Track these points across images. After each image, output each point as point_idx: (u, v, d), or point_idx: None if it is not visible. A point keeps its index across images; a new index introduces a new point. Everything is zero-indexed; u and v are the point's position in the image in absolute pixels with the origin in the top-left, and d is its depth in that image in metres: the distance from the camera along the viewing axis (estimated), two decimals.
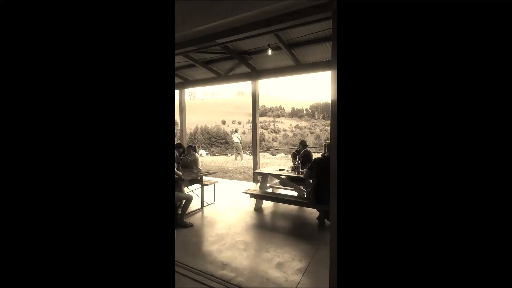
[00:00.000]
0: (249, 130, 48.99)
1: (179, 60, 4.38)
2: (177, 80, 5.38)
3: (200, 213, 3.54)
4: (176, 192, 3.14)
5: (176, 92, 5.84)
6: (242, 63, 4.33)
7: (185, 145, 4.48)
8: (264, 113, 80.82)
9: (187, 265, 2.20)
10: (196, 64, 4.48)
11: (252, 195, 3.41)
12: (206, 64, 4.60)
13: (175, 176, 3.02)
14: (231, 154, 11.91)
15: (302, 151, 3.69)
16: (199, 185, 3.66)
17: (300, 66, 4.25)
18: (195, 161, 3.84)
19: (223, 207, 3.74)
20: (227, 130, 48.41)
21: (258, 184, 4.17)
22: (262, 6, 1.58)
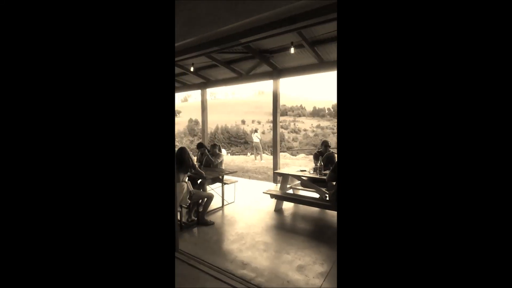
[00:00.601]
0: (268, 129, 48.91)
1: (201, 61, 4.47)
2: (199, 80, 5.50)
3: (221, 211, 3.58)
4: (198, 190, 3.20)
5: (198, 92, 5.98)
6: (264, 62, 4.31)
7: (206, 144, 4.56)
8: (284, 113, 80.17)
9: (208, 262, 2.24)
10: (218, 64, 4.55)
11: (272, 196, 3.38)
12: (228, 64, 4.65)
13: (198, 174, 3.09)
14: (251, 154, 11.95)
15: (325, 153, 3.60)
16: (220, 184, 3.70)
17: (323, 64, 4.14)
18: (219, 160, 3.90)
19: (243, 207, 3.76)
20: (246, 130, 48.73)
21: (278, 184, 4.13)
22: (286, 4, 1.55)
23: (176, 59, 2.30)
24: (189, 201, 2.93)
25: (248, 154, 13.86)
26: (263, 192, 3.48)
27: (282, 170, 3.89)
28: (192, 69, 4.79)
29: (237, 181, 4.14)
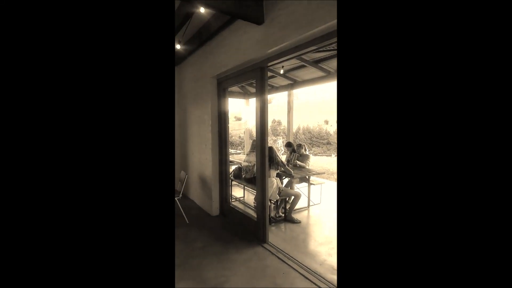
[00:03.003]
0: None
1: (290, 63, 4.57)
2: (286, 82, 5.64)
3: (306, 211, 3.56)
4: (286, 188, 3.30)
5: (285, 93, 6.14)
6: None
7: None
8: None
9: (297, 260, 2.27)
10: (306, 64, 4.53)
11: None
12: (316, 63, 4.56)
13: (287, 172, 3.18)
14: (335, 155, 11.27)
15: None
16: (306, 184, 3.69)
17: None
18: (306, 160, 3.90)
19: (330, 209, 3.61)
20: (329, 131, 46.34)
21: None
22: None
23: (271, 63, 2.45)
24: (278, 197, 3.06)
25: (333, 155, 13.12)
26: None
27: None
28: (281, 71, 4.97)
29: (323, 183, 4.02)
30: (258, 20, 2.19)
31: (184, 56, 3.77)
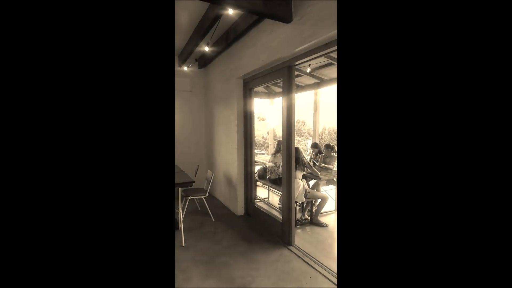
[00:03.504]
0: None
1: (317, 61, 4.45)
2: (312, 80, 5.51)
3: (334, 215, 3.44)
4: (313, 190, 3.22)
5: (312, 92, 6.00)
6: None
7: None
8: None
9: (324, 265, 2.20)
10: (334, 62, 4.38)
11: None
12: None
13: (313, 174, 3.10)
14: None
15: None
16: (334, 187, 3.56)
17: None
18: (333, 161, 3.77)
19: None
20: None
21: None
22: None
23: (298, 62, 2.40)
24: (304, 199, 2.99)
25: None
26: None
27: None
28: (308, 70, 4.86)
29: None
30: (286, 18, 2.16)
31: (211, 58, 3.86)
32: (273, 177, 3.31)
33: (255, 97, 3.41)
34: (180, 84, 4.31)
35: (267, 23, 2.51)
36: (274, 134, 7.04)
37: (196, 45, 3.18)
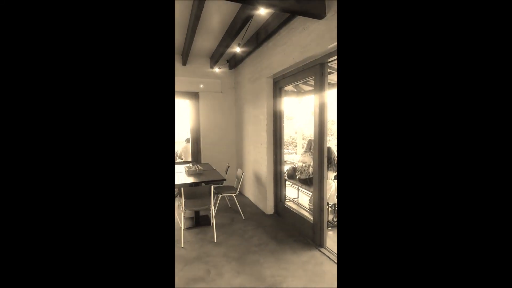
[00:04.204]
0: None
1: None
2: None
3: None
4: None
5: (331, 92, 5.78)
6: None
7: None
8: None
9: None
10: None
11: None
12: None
13: None
14: None
15: None
16: None
17: None
18: None
19: None
20: None
21: None
22: None
23: (331, 59, 2.33)
24: (336, 201, 2.90)
25: None
26: None
27: None
28: None
29: None
30: (319, 15, 2.11)
31: (241, 58, 3.92)
32: (303, 177, 3.26)
33: (284, 96, 3.38)
34: (211, 86, 4.45)
35: (299, 20, 2.47)
36: (302, 133, 6.92)
37: (227, 46, 3.26)
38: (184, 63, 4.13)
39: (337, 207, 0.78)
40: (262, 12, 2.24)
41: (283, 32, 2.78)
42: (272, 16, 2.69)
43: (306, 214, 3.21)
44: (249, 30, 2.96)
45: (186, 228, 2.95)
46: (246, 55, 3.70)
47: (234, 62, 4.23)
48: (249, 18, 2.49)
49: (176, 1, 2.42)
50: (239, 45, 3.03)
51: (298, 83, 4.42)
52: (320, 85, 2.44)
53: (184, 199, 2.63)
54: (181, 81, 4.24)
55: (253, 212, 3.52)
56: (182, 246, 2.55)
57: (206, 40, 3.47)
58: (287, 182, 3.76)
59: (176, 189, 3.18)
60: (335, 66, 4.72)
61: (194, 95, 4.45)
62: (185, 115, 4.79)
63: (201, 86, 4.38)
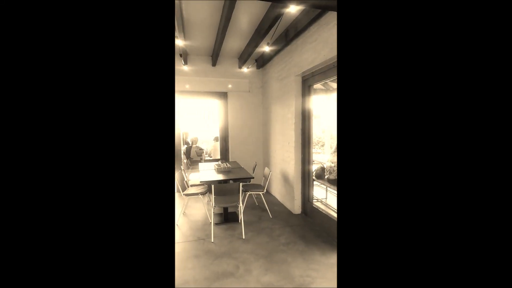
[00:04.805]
0: None
1: None
2: None
3: None
4: None
5: None
6: None
7: None
8: None
9: None
10: None
11: None
12: None
13: None
14: None
15: None
16: None
17: None
18: None
19: None
20: None
21: None
22: None
23: None
24: None
25: None
26: None
27: None
28: None
29: None
30: None
31: (269, 57, 3.92)
32: (332, 177, 3.17)
33: (313, 95, 3.32)
34: (239, 85, 4.53)
35: (329, 16, 2.40)
36: (330, 133, 6.71)
37: (256, 46, 3.28)
38: (214, 64, 4.25)
39: (337, 207, 0.84)
40: (293, 9, 2.22)
41: (313, 28, 2.73)
42: (302, 13, 2.65)
43: (335, 215, 3.12)
44: (278, 28, 2.95)
45: (215, 224, 3.05)
46: (275, 53, 3.69)
47: (262, 61, 4.25)
48: (279, 16, 2.48)
49: (206, 3, 2.50)
50: (268, 44, 3.04)
51: (327, 81, 4.30)
52: None
53: (214, 195, 2.72)
54: (211, 81, 4.38)
55: (280, 211, 3.51)
56: (212, 240, 2.64)
57: (235, 41, 3.54)
58: (315, 182, 3.69)
59: (206, 186, 3.30)
60: None
61: (222, 95, 4.57)
62: (214, 115, 4.93)
63: (230, 86, 4.47)
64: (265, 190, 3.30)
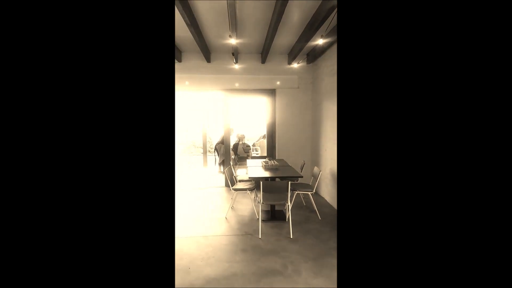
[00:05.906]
0: None
1: None
2: None
3: None
4: None
5: None
6: None
7: None
8: None
9: None
10: None
11: None
12: None
13: None
14: None
15: None
16: None
17: None
18: None
19: None
20: None
21: None
22: None
23: None
24: None
25: None
26: None
27: None
28: None
29: None
30: None
31: (321, 52, 3.74)
32: None
33: None
34: (288, 82, 4.45)
35: None
36: None
37: (307, 40, 3.16)
38: (263, 61, 4.27)
39: (337, 207, 0.77)
40: None
41: None
42: None
43: None
44: (333, 21, 2.78)
45: (262, 220, 3.08)
46: (328, 46, 3.50)
47: (313, 56, 4.08)
48: (334, 7, 2.33)
49: (258, 1, 2.50)
50: (322, 36, 2.89)
51: None
52: None
53: (262, 192, 2.75)
54: (259, 79, 4.41)
55: (330, 213, 3.35)
56: (259, 237, 2.67)
57: (286, 36, 3.47)
58: None
59: (253, 182, 3.36)
60: None
61: (270, 92, 4.56)
62: (262, 112, 4.97)
63: (278, 82, 4.43)
64: (314, 190, 3.19)
